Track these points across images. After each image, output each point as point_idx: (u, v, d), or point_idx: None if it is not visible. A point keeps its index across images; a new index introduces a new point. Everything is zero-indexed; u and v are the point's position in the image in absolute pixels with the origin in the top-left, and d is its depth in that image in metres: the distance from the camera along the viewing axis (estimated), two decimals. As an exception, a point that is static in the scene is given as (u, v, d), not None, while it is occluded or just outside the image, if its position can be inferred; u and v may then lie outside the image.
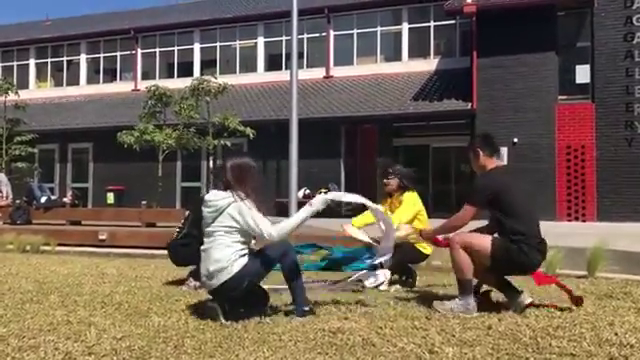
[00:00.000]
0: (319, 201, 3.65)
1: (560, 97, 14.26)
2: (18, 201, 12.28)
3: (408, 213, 5.11)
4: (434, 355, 2.79)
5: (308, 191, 16.05)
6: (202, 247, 3.59)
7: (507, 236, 3.75)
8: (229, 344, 2.99)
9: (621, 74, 13.73)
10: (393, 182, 5.27)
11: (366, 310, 3.83)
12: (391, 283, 4.93)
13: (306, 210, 3.61)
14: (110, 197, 17.43)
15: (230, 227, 3.48)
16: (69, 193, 13.53)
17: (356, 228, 5.17)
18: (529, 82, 14.21)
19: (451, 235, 3.94)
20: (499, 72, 14.39)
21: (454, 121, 15.48)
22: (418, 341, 3.04)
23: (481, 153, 4.02)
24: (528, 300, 3.78)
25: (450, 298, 3.92)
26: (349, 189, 16.79)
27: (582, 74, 14.18)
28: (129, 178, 17.32)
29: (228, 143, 12.94)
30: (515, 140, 14.35)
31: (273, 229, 3.47)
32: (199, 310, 3.75)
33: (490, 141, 4.11)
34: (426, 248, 5.18)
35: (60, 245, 9.99)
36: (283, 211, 11.07)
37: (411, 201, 5.20)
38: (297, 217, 3.61)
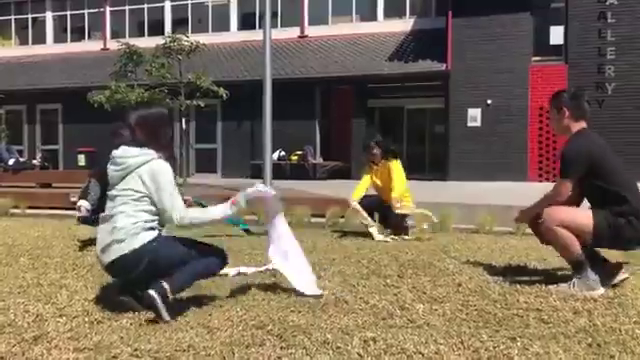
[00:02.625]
0: (241, 198, 3.01)
1: (534, 58, 14.30)
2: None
3: (402, 181, 5.69)
4: (405, 311, 2.84)
5: (283, 153, 16.00)
6: (102, 214, 2.99)
7: (611, 208, 3.25)
8: (203, 302, 2.99)
9: (594, 35, 13.79)
10: (377, 151, 5.74)
11: (340, 269, 3.87)
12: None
13: (226, 207, 2.99)
14: (81, 159, 17.08)
15: (138, 192, 2.85)
16: (38, 155, 13.22)
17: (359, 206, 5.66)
18: (503, 43, 14.20)
19: (545, 214, 3.36)
20: (474, 32, 14.33)
21: (429, 83, 15.45)
22: (390, 298, 3.09)
23: (567, 113, 3.46)
24: (622, 275, 3.35)
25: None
26: (324, 150, 16.79)
27: (556, 35, 14.21)
28: (100, 140, 16.87)
29: (201, 104, 12.71)
30: (489, 102, 14.43)
31: (186, 213, 2.90)
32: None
33: (580, 102, 3.50)
34: (408, 204, 5.92)
35: (30, 208, 9.83)
36: (258, 173, 11.02)
37: (400, 169, 5.77)
38: (215, 211, 3.01)
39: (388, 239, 5.47)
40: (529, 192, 11.02)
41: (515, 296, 3.11)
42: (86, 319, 2.75)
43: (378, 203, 5.83)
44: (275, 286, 3.36)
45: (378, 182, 5.88)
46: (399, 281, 3.52)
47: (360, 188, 5.90)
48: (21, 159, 12.24)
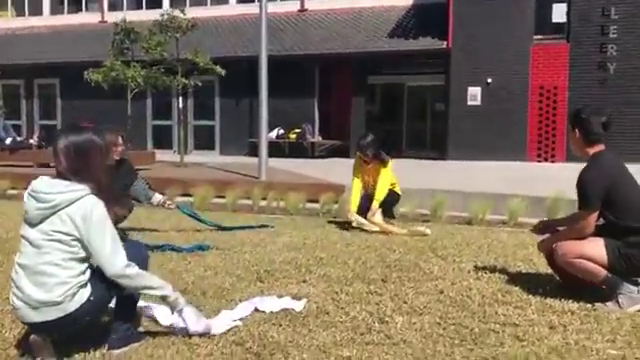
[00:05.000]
0: (183, 305, 2.63)
1: (535, 37, 14.12)
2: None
3: (384, 191, 5.79)
4: (383, 325, 2.89)
5: (282, 131, 15.97)
6: (19, 260, 2.48)
7: (623, 239, 3.17)
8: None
9: (597, 13, 13.58)
10: (369, 153, 5.78)
11: (325, 272, 3.91)
12: None
13: (170, 291, 2.61)
14: (80, 135, 17.09)
15: (68, 235, 2.38)
16: (35, 135, 13.22)
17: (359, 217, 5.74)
18: (505, 21, 14.00)
19: (557, 250, 3.31)
20: (475, 9, 14.11)
21: (429, 60, 15.30)
22: (371, 309, 3.14)
23: (578, 134, 3.30)
24: None
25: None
26: (323, 129, 16.74)
27: (559, 13, 14.00)
28: (99, 115, 16.88)
29: (199, 83, 12.65)
30: (489, 80, 14.32)
31: (129, 269, 2.46)
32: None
33: (591, 125, 3.25)
34: (398, 189, 6.13)
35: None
36: (256, 151, 11.00)
37: (386, 178, 5.85)
38: (159, 282, 2.61)
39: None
40: (527, 172, 11.12)
41: (494, 307, 3.15)
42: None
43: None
44: (261, 292, 3.41)
45: (367, 178, 5.95)
46: (382, 287, 3.56)
47: (355, 197, 5.92)
48: (18, 138, 12.23)
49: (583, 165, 3.34)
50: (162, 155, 14.43)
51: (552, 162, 13.82)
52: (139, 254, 2.67)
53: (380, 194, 5.75)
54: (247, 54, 15.46)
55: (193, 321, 2.65)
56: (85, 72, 12.92)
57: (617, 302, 3.15)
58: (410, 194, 7.08)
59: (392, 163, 5.98)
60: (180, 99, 13.81)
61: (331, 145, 15.79)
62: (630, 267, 3.17)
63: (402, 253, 4.54)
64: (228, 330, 2.80)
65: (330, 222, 6.47)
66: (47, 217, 2.38)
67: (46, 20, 20.97)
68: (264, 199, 8.37)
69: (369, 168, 5.90)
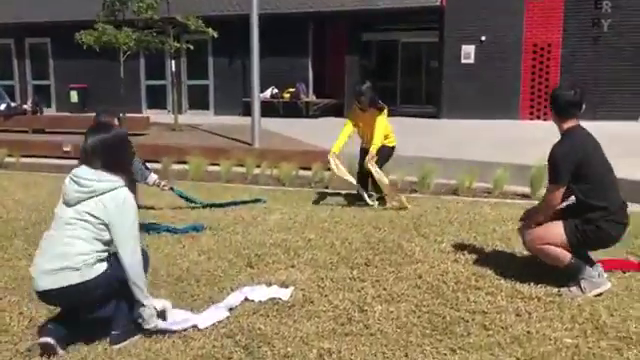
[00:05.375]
0: (152, 318, 2.86)
1: (530, -7, 13.97)
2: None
3: (380, 136, 5.84)
4: (363, 314, 3.14)
5: (276, 90, 15.96)
6: (48, 232, 2.84)
7: (582, 216, 3.34)
8: (180, 305, 3.29)
9: (593, -32, 13.40)
10: (364, 99, 5.89)
11: (312, 255, 4.14)
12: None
13: (149, 300, 2.84)
14: (73, 95, 17.07)
15: (97, 219, 2.72)
16: (29, 100, 13.23)
17: (339, 162, 6.02)
18: (500, -23, 13.81)
19: (525, 237, 3.57)
20: (470, -35, 13.89)
21: (424, 18, 15.15)
22: (352, 296, 3.38)
23: (552, 111, 3.51)
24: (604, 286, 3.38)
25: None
26: (318, 87, 16.72)
27: (555, -32, 13.79)
28: (92, 75, 16.86)
29: (191, 47, 12.60)
30: (482, 38, 14.25)
31: (138, 262, 2.78)
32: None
33: (561, 104, 3.43)
34: (392, 142, 6.13)
35: (24, 157, 10.05)
36: (250, 111, 11.07)
37: (382, 125, 5.87)
38: (146, 292, 2.84)
39: (375, 203, 5.91)
40: (518, 133, 11.25)
41: (467, 294, 3.40)
42: (74, 325, 3.04)
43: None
44: (251, 280, 3.65)
45: (363, 126, 6.03)
46: (365, 272, 3.80)
47: (341, 139, 6.04)
48: (12, 104, 12.27)
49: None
50: (156, 116, 14.49)
51: (544, 120, 13.92)
52: (143, 254, 2.92)
53: (377, 139, 5.76)
54: (240, 12, 15.28)
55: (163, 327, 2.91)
56: (77, 34, 12.81)
57: (580, 287, 3.38)
58: (400, 161, 7.25)
59: (386, 118, 5.98)
60: (173, 62, 13.75)
61: (325, 104, 15.82)
62: (584, 241, 3.37)
63: (386, 232, 4.77)
64: (219, 322, 3.04)
65: (321, 194, 6.68)
66: (83, 200, 2.73)
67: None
68: (258, 166, 8.56)
69: (365, 116, 5.95)
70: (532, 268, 3.80)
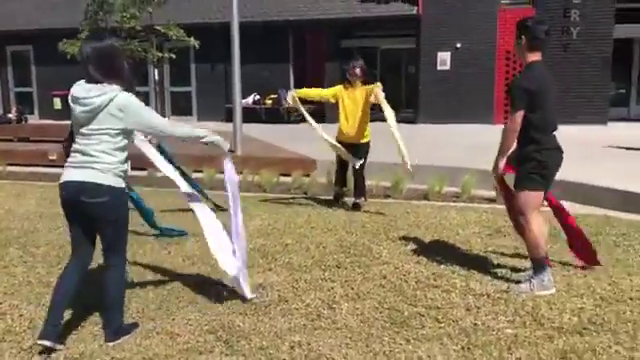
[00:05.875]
0: (217, 138, 3.49)
1: (503, 1, 14.51)
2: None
3: (388, 107, 6.02)
4: (331, 311, 3.52)
5: (258, 97, 16.31)
6: (73, 147, 3.06)
7: (529, 155, 3.71)
8: (168, 305, 3.64)
9: (562, -22, 13.97)
10: (358, 72, 6.18)
11: (289, 259, 4.51)
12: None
13: (205, 132, 3.44)
14: (57, 102, 17.21)
15: (113, 129, 2.98)
16: (13, 109, 13.42)
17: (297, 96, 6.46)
18: (474, -15, 14.33)
19: (520, 220, 3.83)
20: (445, -25, 14.39)
21: (401, 25, 15.61)
22: (323, 295, 3.76)
23: (524, 40, 3.71)
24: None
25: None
26: (298, 93, 17.09)
27: (525, -23, 14.34)
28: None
29: (173, 55, 12.93)
30: (458, 45, 14.75)
31: (169, 124, 3.21)
32: (153, 264, 4.36)
33: (537, 32, 3.69)
34: (368, 136, 6.40)
35: (10, 165, 10.27)
36: (232, 117, 11.38)
37: (381, 97, 6.02)
38: (195, 130, 3.41)
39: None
40: (491, 137, 11.70)
41: (425, 291, 3.79)
42: (71, 324, 3.37)
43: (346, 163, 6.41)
44: (230, 288, 4.01)
45: (349, 103, 6.20)
46: (336, 273, 4.18)
47: (313, 91, 6.65)
48: (-2, 113, 12.47)
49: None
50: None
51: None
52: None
53: (389, 113, 5.91)
54: (222, 20, 15.61)
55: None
56: (60, 43, 13.05)
57: (529, 285, 3.78)
58: (372, 169, 7.61)
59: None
60: (155, 71, 14.03)
61: (307, 109, 16.17)
62: (543, 173, 3.74)
63: (358, 236, 5.16)
64: (201, 318, 3.40)
65: (300, 200, 7.06)
66: (93, 118, 2.95)
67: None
68: (240, 173, 8.88)
69: (352, 91, 6.18)
70: (486, 267, 4.23)
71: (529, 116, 3.68)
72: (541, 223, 3.81)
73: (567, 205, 5.22)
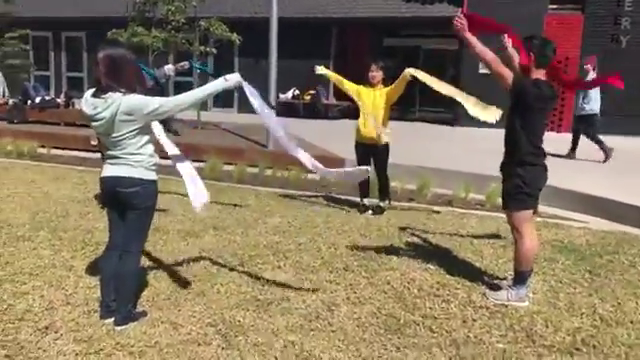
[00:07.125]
0: (234, 78, 3.37)
1: (550, 6, 14.18)
2: (13, 100, 12.85)
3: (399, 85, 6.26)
4: (330, 313, 3.64)
5: (297, 92, 16.49)
6: (106, 153, 3.36)
7: (515, 170, 3.81)
8: (177, 296, 3.84)
9: (614, -16, 13.55)
10: (377, 74, 6.38)
11: (298, 258, 4.65)
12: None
13: (214, 86, 3.32)
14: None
15: (131, 132, 3.22)
16: (62, 94, 14.04)
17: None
18: (520, -11, 14.05)
19: (514, 234, 3.88)
20: (491, -23, 14.16)
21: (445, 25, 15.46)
22: (325, 297, 3.88)
23: (532, 58, 3.77)
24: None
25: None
26: (337, 90, 17.15)
27: (575, -18, 13.97)
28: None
29: (214, 51, 13.22)
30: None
31: (176, 98, 3.29)
32: (165, 255, 4.58)
33: (546, 51, 3.80)
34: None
35: (55, 148, 10.76)
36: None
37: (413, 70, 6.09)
38: (204, 89, 3.32)
39: (369, 213, 6.32)
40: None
41: (424, 300, 3.86)
42: (85, 309, 3.60)
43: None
44: (240, 277, 4.17)
45: (367, 102, 6.39)
46: (342, 276, 4.29)
47: (337, 76, 7.04)
48: (47, 97, 13.06)
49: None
50: (181, 112, 15.11)
51: (557, 132, 14.14)
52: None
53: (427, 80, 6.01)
54: (266, 15, 15.84)
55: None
56: (109, 32, 13.52)
57: (507, 294, 3.84)
58: (398, 171, 7.64)
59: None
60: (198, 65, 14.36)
61: (344, 106, 16.28)
62: (531, 184, 3.77)
63: (371, 240, 5.25)
64: (205, 311, 3.57)
65: (323, 197, 7.19)
66: (111, 127, 3.20)
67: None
68: (270, 168, 9.08)
69: (371, 91, 6.38)
70: (492, 280, 4.25)
71: (519, 130, 3.77)
72: (534, 239, 3.87)
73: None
